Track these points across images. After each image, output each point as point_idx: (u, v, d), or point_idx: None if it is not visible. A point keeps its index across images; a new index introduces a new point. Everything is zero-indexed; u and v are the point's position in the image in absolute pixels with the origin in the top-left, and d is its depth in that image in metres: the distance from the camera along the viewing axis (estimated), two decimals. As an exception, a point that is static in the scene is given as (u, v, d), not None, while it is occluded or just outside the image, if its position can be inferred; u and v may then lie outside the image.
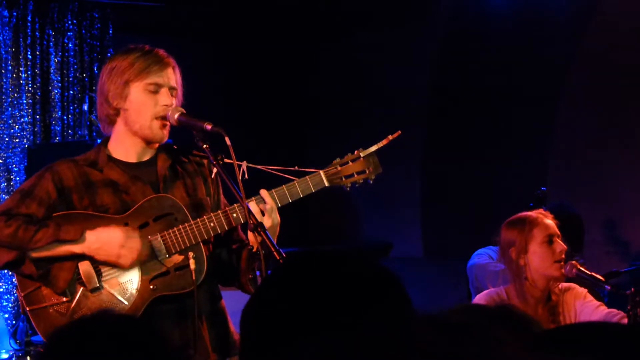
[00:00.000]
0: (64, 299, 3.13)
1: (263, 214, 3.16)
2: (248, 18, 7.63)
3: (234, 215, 3.18)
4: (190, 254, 3.16)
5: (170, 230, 3.17)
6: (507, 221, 3.93)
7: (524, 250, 3.81)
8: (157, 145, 3.30)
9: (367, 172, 3.33)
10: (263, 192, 3.20)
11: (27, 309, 3.13)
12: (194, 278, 3.14)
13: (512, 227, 3.88)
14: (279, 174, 3.29)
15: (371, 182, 3.34)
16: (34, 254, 3.09)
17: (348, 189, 3.33)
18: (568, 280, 3.95)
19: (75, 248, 3.11)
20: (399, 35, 7.62)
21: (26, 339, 6.48)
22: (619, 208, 6.48)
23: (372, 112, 7.83)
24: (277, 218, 3.20)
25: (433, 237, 7.55)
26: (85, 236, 3.10)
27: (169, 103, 3.20)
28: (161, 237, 3.17)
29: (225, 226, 3.20)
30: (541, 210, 3.97)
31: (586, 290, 3.93)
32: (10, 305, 6.74)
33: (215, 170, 3.25)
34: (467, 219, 7.02)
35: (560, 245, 3.82)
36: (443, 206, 7.38)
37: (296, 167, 3.30)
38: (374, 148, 3.33)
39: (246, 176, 3.22)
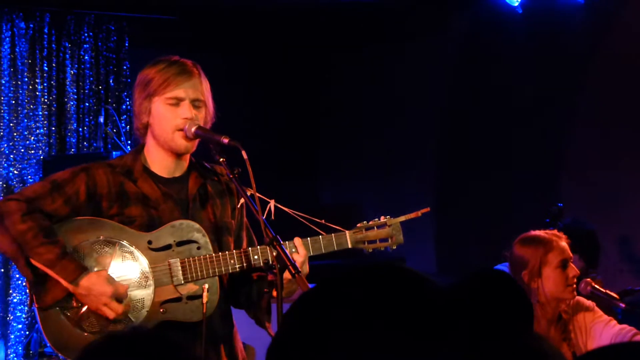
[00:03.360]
0: (75, 305, 3.13)
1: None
2: (264, 30, 7.65)
3: (255, 257, 3.19)
4: (205, 286, 3.15)
5: (192, 259, 3.18)
6: (520, 238, 3.86)
7: (537, 274, 3.76)
8: (187, 159, 3.31)
9: (390, 240, 3.38)
10: (297, 241, 3.21)
11: (36, 306, 3.13)
12: (204, 311, 3.14)
13: (526, 246, 3.82)
14: (304, 222, 3.29)
15: (391, 250, 3.36)
16: (32, 261, 3.09)
17: (368, 253, 3.35)
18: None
19: (66, 284, 3.10)
20: (415, 49, 7.63)
21: (40, 349, 6.48)
22: (634, 225, 6.44)
23: (386, 126, 7.83)
24: (307, 269, 3.20)
25: (446, 252, 7.54)
26: (79, 282, 3.08)
27: (189, 116, 3.19)
28: (180, 263, 3.19)
29: (245, 266, 3.20)
30: (555, 231, 3.90)
31: (594, 303, 3.90)
32: (24, 315, 6.75)
33: (242, 200, 3.26)
34: (480, 234, 7.00)
35: (573, 270, 3.78)
36: (456, 221, 7.37)
37: (323, 221, 3.30)
38: (401, 219, 3.37)
39: (272, 217, 3.25)
